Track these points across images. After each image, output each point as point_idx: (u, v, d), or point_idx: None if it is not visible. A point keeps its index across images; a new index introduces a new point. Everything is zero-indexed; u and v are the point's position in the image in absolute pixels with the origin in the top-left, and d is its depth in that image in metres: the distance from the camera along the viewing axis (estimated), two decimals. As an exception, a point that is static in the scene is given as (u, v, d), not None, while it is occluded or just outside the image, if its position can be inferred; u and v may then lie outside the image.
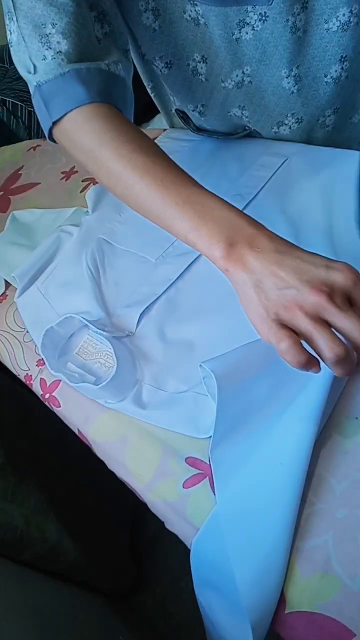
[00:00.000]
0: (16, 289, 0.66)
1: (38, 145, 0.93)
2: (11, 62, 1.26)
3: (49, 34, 0.48)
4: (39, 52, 0.48)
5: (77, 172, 0.81)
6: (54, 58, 0.48)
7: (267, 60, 0.57)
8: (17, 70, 0.53)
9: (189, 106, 0.67)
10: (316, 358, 0.34)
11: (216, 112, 0.67)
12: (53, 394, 0.53)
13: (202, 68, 0.61)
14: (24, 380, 0.58)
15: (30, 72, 0.50)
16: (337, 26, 0.54)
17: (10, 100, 1.48)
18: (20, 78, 0.55)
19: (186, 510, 0.41)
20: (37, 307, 0.62)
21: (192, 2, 0.54)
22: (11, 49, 0.51)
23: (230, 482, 0.39)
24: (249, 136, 0.70)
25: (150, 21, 0.57)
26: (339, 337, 0.33)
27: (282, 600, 0.36)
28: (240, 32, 0.55)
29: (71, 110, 0.48)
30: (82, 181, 0.79)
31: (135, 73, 0.63)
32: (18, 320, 0.62)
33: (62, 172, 0.82)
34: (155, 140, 0.79)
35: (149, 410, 0.47)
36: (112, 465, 0.48)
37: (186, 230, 0.41)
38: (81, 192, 0.77)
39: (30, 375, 0.57)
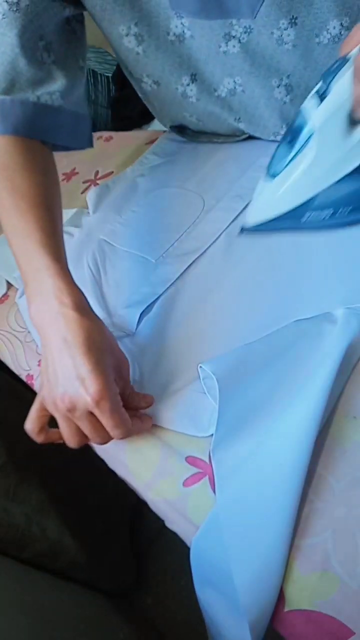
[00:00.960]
0: (17, 289, 0.66)
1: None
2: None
3: None
4: None
5: (77, 173, 0.81)
6: None
7: (256, 71, 0.58)
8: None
9: (185, 114, 0.67)
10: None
11: (213, 121, 0.67)
12: (54, 393, 0.54)
13: (191, 90, 0.61)
14: (25, 379, 0.58)
15: None
16: (328, 39, 0.54)
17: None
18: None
19: (186, 508, 0.41)
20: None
21: (178, 14, 0.54)
22: None
23: (230, 480, 0.40)
24: (249, 138, 0.70)
25: (133, 45, 0.58)
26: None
27: (281, 598, 0.36)
28: (227, 46, 0.55)
29: None
30: (83, 182, 0.79)
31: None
32: (19, 321, 0.63)
33: (63, 174, 0.82)
34: (155, 142, 0.79)
35: (149, 409, 0.48)
36: (112, 464, 0.48)
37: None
38: (82, 193, 0.77)
39: (32, 375, 0.57)
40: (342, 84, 0.44)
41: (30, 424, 0.44)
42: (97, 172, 0.80)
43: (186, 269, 0.58)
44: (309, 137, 0.47)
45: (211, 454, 0.41)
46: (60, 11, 0.53)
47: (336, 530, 0.36)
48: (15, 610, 0.57)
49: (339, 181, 0.50)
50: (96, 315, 0.44)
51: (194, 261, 0.58)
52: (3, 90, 0.52)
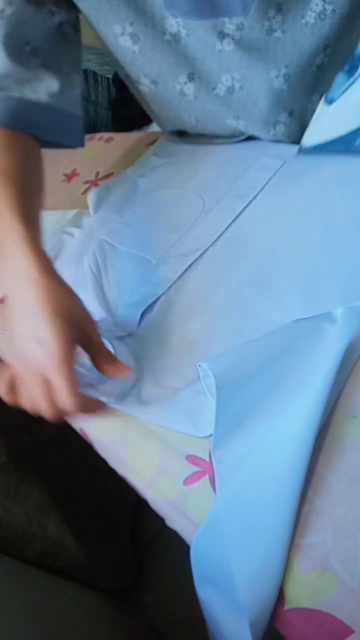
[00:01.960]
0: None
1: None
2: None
3: None
4: None
5: (78, 174, 0.82)
6: None
7: (253, 66, 0.58)
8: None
9: (183, 115, 0.68)
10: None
11: (211, 120, 0.67)
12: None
13: (189, 89, 0.62)
14: (26, 379, 0.58)
15: None
16: (314, 17, 0.54)
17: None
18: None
19: (186, 507, 0.41)
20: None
21: (173, 13, 0.54)
22: None
23: (230, 479, 0.40)
24: (248, 139, 0.70)
25: (129, 44, 0.58)
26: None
27: (281, 597, 0.36)
28: (222, 44, 0.56)
29: None
30: (84, 183, 0.79)
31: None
32: (20, 320, 0.63)
33: (64, 175, 0.82)
34: (155, 143, 0.80)
35: (149, 409, 0.48)
36: (113, 463, 0.48)
37: None
38: (82, 194, 0.77)
39: (33, 375, 0.57)
40: None
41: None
42: (97, 173, 0.80)
43: (187, 269, 0.58)
44: None
45: (211, 452, 0.42)
46: (48, 18, 0.55)
47: (336, 529, 0.37)
48: (15, 610, 0.57)
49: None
50: (62, 279, 0.44)
51: (194, 262, 0.58)
52: None
